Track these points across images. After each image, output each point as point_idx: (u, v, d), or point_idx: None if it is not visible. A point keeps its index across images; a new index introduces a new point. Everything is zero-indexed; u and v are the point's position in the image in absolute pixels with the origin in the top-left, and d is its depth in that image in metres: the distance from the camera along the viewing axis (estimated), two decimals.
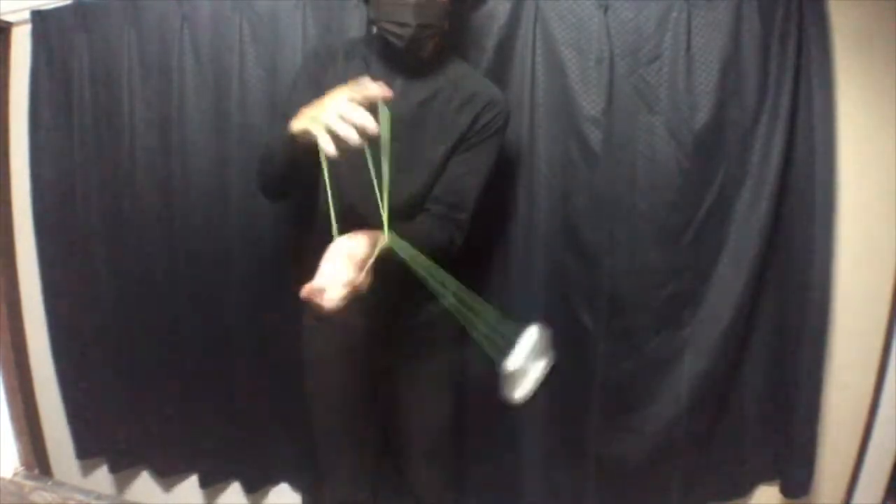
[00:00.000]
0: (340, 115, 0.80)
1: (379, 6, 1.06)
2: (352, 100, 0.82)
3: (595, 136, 1.31)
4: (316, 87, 1.09)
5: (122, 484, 1.87)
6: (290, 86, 1.23)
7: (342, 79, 1.09)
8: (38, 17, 1.60)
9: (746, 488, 1.47)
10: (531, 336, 0.92)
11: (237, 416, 1.61)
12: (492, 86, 1.17)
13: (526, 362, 0.90)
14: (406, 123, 1.08)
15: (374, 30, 1.11)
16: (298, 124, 0.89)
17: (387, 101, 0.84)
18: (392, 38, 1.06)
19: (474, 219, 1.14)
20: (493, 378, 1.41)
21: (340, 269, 0.83)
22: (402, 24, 1.03)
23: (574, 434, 1.43)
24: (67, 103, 1.62)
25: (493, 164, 1.14)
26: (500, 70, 1.32)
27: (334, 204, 0.89)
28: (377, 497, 1.32)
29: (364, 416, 1.27)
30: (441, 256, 0.98)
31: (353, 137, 0.80)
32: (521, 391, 0.89)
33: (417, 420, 1.25)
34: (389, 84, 1.09)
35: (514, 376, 0.89)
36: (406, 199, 1.10)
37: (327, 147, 0.81)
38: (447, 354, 1.25)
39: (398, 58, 1.11)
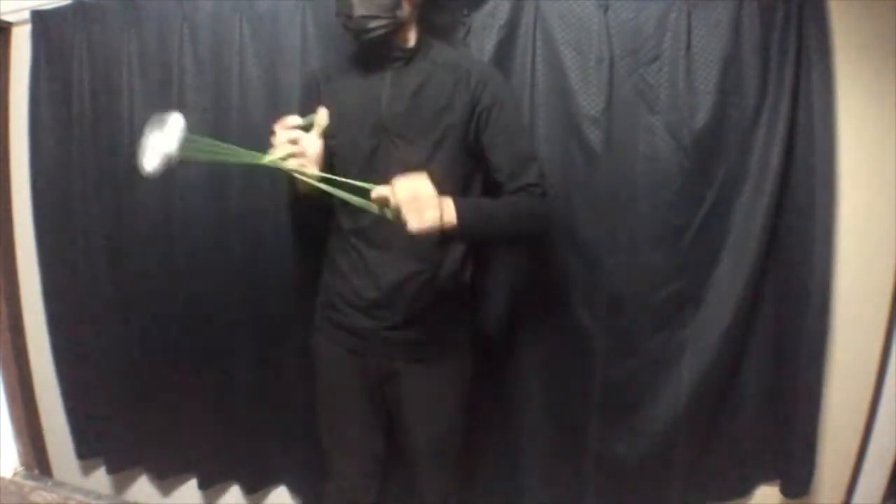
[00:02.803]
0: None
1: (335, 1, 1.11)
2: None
3: (595, 136, 1.31)
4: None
5: (121, 485, 1.87)
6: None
7: (341, 93, 1.17)
8: (38, 17, 1.60)
9: (746, 488, 1.47)
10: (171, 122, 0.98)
11: (236, 417, 1.61)
12: (480, 61, 1.24)
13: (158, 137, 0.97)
14: (402, 116, 1.11)
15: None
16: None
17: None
18: (347, 31, 1.11)
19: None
20: (493, 378, 1.43)
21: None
22: (347, 16, 1.07)
23: (574, 434, 1.43)
24: (67, 103, 1.62)
25: (524, 124, 1.23)
26: (500, 70, 1.32)
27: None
28: (382, 499, 1.32)
29: (370, 418, 1.27)
30: (542, 227, 1.18)
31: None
32: (148, 162, 0.96)
33: (423, 424, 1.25)
34: (381, 81, 1.13)
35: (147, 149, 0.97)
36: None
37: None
38: (455, 358, 1.25)
39: (380, 54, 1.13)
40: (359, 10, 1.05)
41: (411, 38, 1.15)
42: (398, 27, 1.10)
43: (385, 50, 1.12)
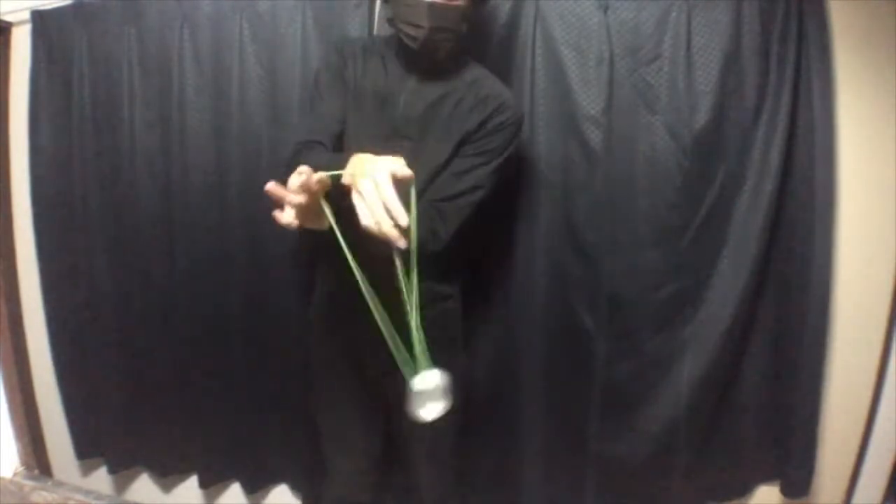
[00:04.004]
0: (379, 193, 0.77)
1: (396, 6, 1.07)
2: (391, 175, 0.78)
3: (595, 136, 1.31)
4: (340, 82, 1.14)
5: (121, 484, 1.87)
6: (314, 80, 1.20)
7: (361, 75, 1.13)
8: (38, 17, 1.60)
9: (746, 488, 1.47)
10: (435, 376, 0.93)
11: (237, 416, 1.61)
12: (505, 89, 1.17)
13: (432, 388, 0.92)
14: (415, 123, 1.10)
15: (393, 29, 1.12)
16: (346, 176, 0.83)
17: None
18: (407, 39, 1.07)
19: (476, 218, 1.12)
20: (493, 378, 1.43)
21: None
22: (415, 26, 1.04)
23: (574, 434, 1.43)
24: (67, 103, 1.62)
25: (499, 163, 1.11)
26: (500, 70, 1.31)
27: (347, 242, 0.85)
28: (380, 497, 1.32)
29: (367, 417, 1.27)
30: (420, 245, 0.93)
31: (388, 228, 0.77)
32: (425, 412, 0.91)
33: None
34: (403, 83, 1.11)
35: (421, 396, 0.92)
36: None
37: (364, 219, 0.78)
38: (449, 356, 1.25)
39: (414, 58, 1.12)
40: (431, 22, 1.02)
41: (448, 51, 1.12)
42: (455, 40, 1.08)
43: (427, 60, 1.10)
